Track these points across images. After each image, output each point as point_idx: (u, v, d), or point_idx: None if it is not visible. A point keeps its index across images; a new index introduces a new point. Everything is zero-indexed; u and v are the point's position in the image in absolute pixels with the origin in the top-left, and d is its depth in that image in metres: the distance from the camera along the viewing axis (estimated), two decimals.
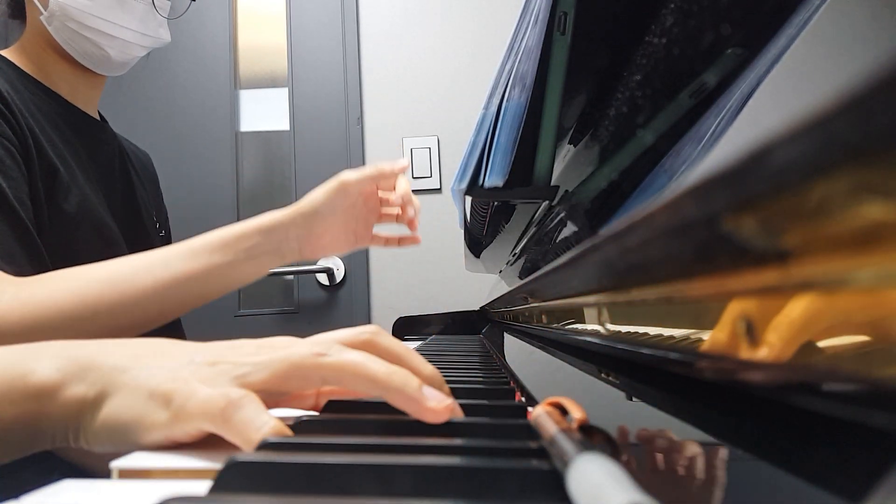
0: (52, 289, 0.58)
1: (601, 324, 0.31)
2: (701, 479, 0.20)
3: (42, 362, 0.31)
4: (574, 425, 0.24)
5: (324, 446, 0.24)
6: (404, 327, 1.50)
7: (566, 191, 0.54)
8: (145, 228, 0.90)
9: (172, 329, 0.85)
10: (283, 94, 2.06)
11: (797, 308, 0.14)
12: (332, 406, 0.33)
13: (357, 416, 0.31)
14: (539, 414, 0.26)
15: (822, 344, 0.13)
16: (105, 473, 0.25)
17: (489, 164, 0.51)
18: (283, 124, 2.05)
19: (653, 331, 0.24)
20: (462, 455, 0.24)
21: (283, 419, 0.28)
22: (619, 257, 0.24)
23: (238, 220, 0.69)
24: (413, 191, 2.08)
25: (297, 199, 0.70)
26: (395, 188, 0.74)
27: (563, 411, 0.27)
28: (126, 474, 0.25)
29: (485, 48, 1.98)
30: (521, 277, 0.67)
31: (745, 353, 0.16)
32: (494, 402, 0.37)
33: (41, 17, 0.77)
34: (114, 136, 0.91)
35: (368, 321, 1.92)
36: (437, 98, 1.99)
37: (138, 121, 1.96)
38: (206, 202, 1.99)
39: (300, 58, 2.05)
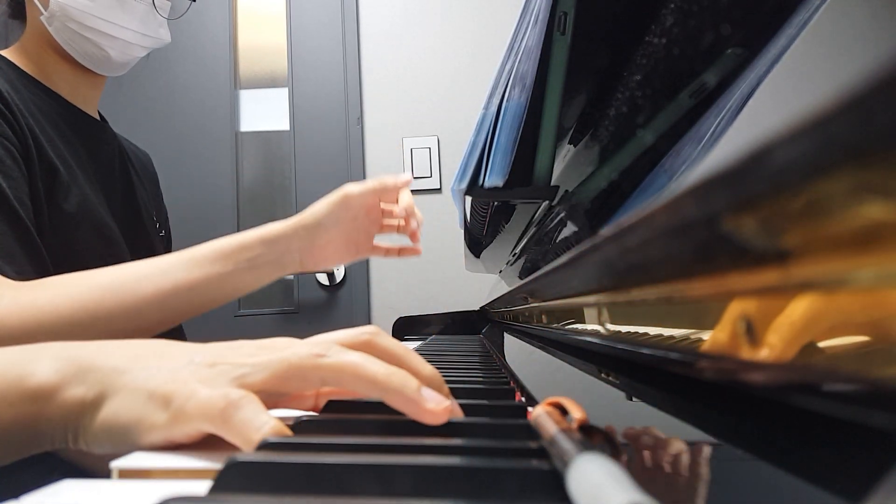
0: (52, 294, 0.58)
1: (601, 324, 0.31)
2: (693, 478, 0.20)
3: (41, 364, 0.31)
4: (574, 425, 0.24)
5: (324, 446, 0.24)
6: (404, 327, 1.50)
7: (566, 191, 0.54)
8: (145, 228, 0.90)
9: (172, 329, 0.85)
10: (283, 94, 2.06)
11: (797, 309, 0.14)
12: (332, 406, 0.33)
13: (357, 416, 0.31)
14: (539, 414, 0.26)
15: (822, 344, 0.13)
16: (105, 473, 0.25)
17: (489, 164, 0.51)
18: (283, 124, 2.05)
19: (653, 331, 0.24)
20: (462, 455, 0.24)
21: (282, 419, 0.28)
22: (619, 257, 0.24)
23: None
24: (413, 191, 2.08)
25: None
26: (397, 200, 0.74)
27: (563, 411, 0.27)
28: (126, 474, 0.25)
29: (485, 48, 1.98)
30: (521, 277, 0.67)
31: (745, 353, 0.16)
32: (494, 402, 0.37)
33: (41, 18, 0.77)
34: (114, 136, 0.91)
35: (368, 321, 1.92)
36: (437, 98, 1.99)
37: (138, 121, 1.96)
38: (206, 202, 1.99)
39: (300, 58, 2.05)
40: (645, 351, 0.25)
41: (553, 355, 0.50)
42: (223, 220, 1.98)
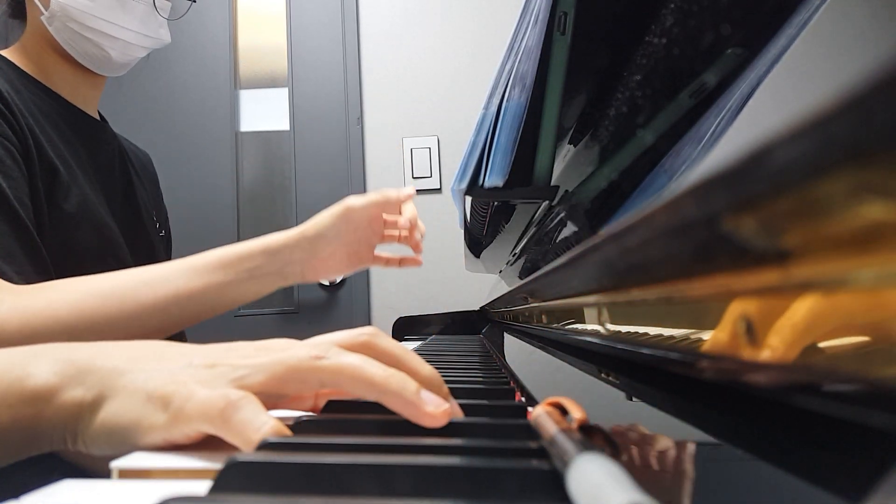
0: (51, 299, 0.58)
1: (601, 324, 0.31)
2: (679, 473, 0.20)
3: (40, 365, 0.31)
4: (574, 425, 0.24)
5: (323, 446, 0.24)
6: (404, 327, 1.50)
7: (566, 191, 0.54)
8: (145, 228, 0.90)
9: None
10: (283, 94, 2.06)
11: (799, 310, 0.14)
12: (332, 406, 0.33)
13: (357, 416, 0.31)
14: (539, 414, 0.26)
15: (822, 344, 0.13)
16: (105, 473, 0.25)
17: (489, 164, 0.51)
18: (283, 124, 2.05)
19: (653, 331, 0.24)
20: (462, 455, 0.24)
21: (282, 420, 0.28)
22: (619, 257, 0.24)
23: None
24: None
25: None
26: (400, 211, 0.74)
27: (563, 411, 0.27)
28: (126, 474, 0.25)
29: (485, 48, 1.98)
30: (521, 277, 0.67)
31: (746, 353, 0.16)
32: (494, 402, 0.37)
33: (42, 18, 0.77)
34: (114, 137, 0.91)
35: (368, 321, 1.92)
36: (437, 98, 1.99)
37: (138, 121, 1.96)
38: (206, 202, 1.99)
39: (300, 58, 2.05)
40: (645, 351, 0.25)
41: (553, 355, 0.50)
42: (223, 220, 1.98)
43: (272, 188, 2.04)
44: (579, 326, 0.37)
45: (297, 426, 0.28)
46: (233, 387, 0.29)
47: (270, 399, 0.30)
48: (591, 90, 0.58)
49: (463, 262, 1.31)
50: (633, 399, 0.29)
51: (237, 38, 2.09)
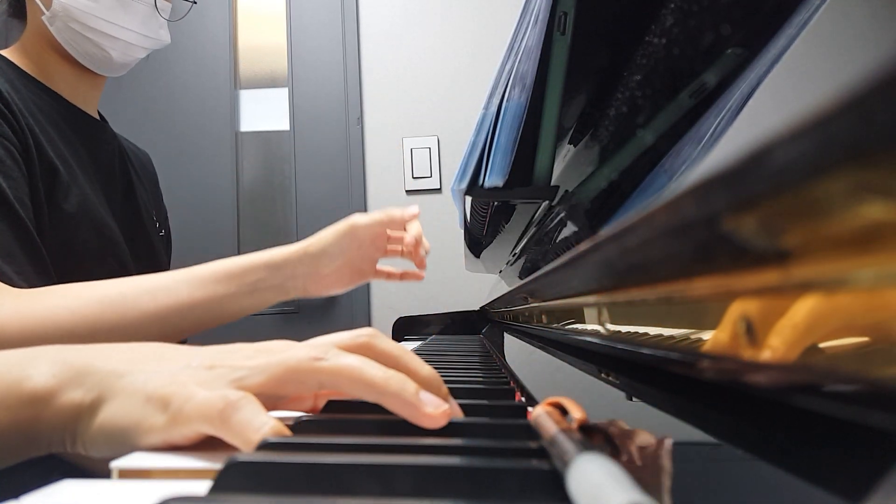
0: (52, 304, 0.58)
1: (601, 324, 0.31)
2: (659, 468, 0.20)
3: (38, 367, 0.31)
4: (574, 425, 0.24)
5: (323, 446, 0.24)
6: (404, 327, 1.50)
7: (566, 191, 0.54)
8: (145, 228, 0.90)
9: None
10: (283, 94, 2.06)
11: (799, 311, 0.14)
12: (332, 406, 0.33)
13: (356, 415, 0.31)
14: (539, 414, 0.26)
15: (822, 344, 0.13)
16: (105, 473, 0.25)
17: (489, 164, 0.51)
18: (283, 124, 2.05)
19: (653, 331, 0.24)
20: (462, 455, 0.24)
21: (282, 420, 0.28)
22: (619, 257, 0.24)
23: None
24: (413, 191, 2.07)
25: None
26: (404, 228, 0.74)
27: (563, 411, 0.27)
28: (126, 474, 0.25)
29: (485, 48, 1.98)
30: (521, 277, 0.67)
31: (746, 353, 0.16)
32: (494, 402, 0.37)
33: (43, 18, 0.77)
34: (114, 136, 0.91)
35: (368, 321, 1.92)
36: (437, 98, 1.99)
37: (138, 121, 1.96)
38: (206, 202, 1.99)
39: (300, 58, 2.05)
40: (645, 351, 0.25)
41: (553, 355, 0.50)
42: (223, 220, 1.98)
43: (272, 188, 2.04)
44: (579, 326, 0.37)
45: (297, 426, 0.28)
46: (232, 388, 0.29)
47: (270, 400, 0.30)
48: (591, 90, 0.58)
49: (463, 262, 1.31)
50: (633, 399, 0.29)
51: (237, 38, 2.09)
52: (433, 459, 0.21)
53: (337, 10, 2.05)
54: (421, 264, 0.76)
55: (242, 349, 0.32)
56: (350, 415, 0.31)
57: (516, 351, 0.76)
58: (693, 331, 0.20)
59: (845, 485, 0.13)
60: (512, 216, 0.74)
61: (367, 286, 1.94)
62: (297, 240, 0.71)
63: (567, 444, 0.20)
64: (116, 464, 0.25)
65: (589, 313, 0.34)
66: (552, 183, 0.53)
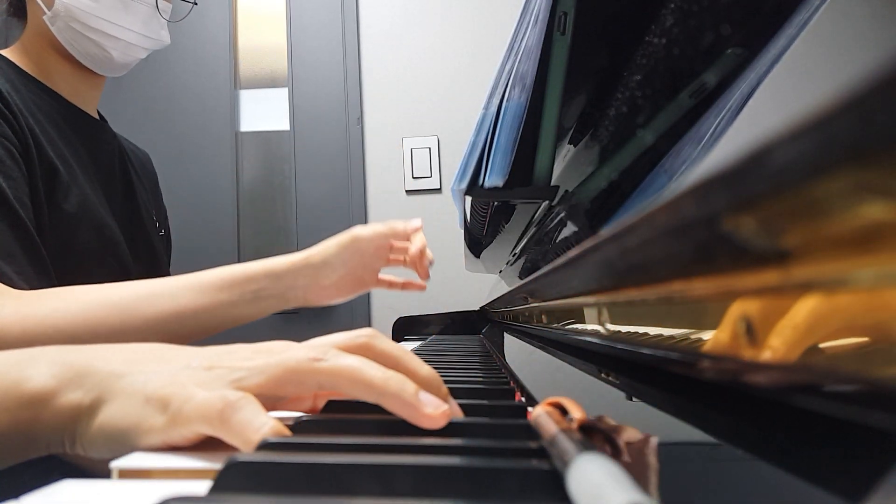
0: (54, 307, 0.58)
1: (601, 324, 0.31)
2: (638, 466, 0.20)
3: (37, 368, 0.31)
4: (574, 425, 0.24)
5: (323, 446, 0.24)
6: (404, 327, 1.50)
7: (566, 191, 0.54)
8: (145, 228, 0.90)
9: None
10: (283, 94, 2.06)
11: (799, 311, 0.14)
12: (332, 406, 0.33)
13: (356, 416, 0.31)
14: (539, 414, 0.26)
15: (822, 345, 0.13)
16: (105, 473, 0.25)
17: (489, 164, 0.51)
18: (283, 124, 2.05)
19: (653, 331, 0.24)
20: (462, 455, 0.24)
21: (282, 420, 0.28)
22: (619, 257, 0.24)
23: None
24: (413, 191, 2.07)
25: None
26: (408, 239, 0.74)
27: (563, 411, 0.27)
28: (126, 474, 0.25)
29: (485, 48, 1.98)
30: (521, 277, 0.67)
31: (746, 353, 0.16)
32: (494, 402, 0.37)
33: (44, 17, 0.77)
34: (114, 136, 0.91)
35: (368, 321, 1.92)
36: (437, 98, 1.99)
37: (138, 121, 1.96)
38: (206, 202, 1.99)
39: (300, 58, 2.05)
40: (645, 351, 0.25)
41: (553, 355, 0.50)
42: (223, 220, 1.98)
43: (272, 188, 2.04)
44: (579, 326, 0.37)
45: (297, 426, 0.28)
46: (231, 388, 0.29)
47: (269, 401, 0.30)
48: (591, 90, 0.58)
49: (463, 262, 1.31)
50: (633, 399, 0.29)
51: (237, 38, 2.09)
52: (433, 459, 0.21)
53: (337, 10, 2.05)
54: (425, 275, 0.77)
55: (241, 350, 0.32)
56: (350, 415, 0.31)
57: (516, 351, 0.76)
58: (693, 331, 0.20)
59: (845, 485, 0.13)
60: (512, 216, 0.74)
61: None
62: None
63: (567, 444, 0.20)
64: (116, 464, 0.25)
65: (589, 313, 0.34)
66: (552, 183, 0.54)
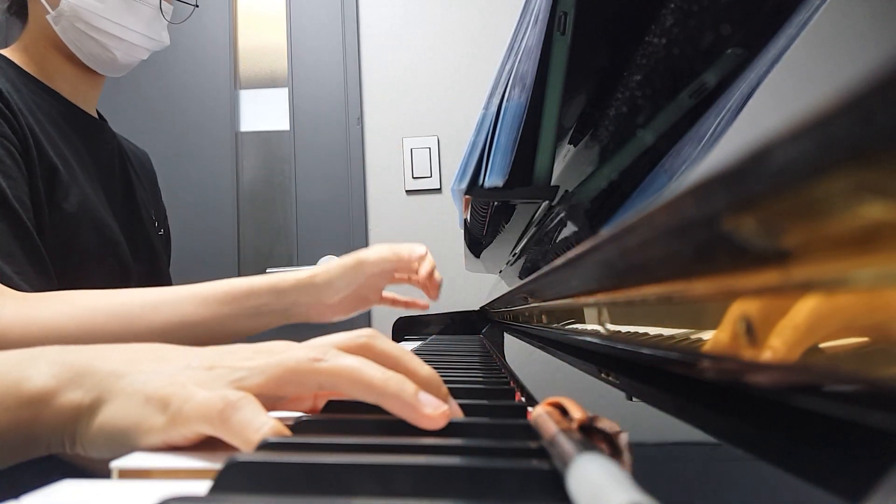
0: (56, 311, 0.58)
1: (601, 324, 0.31)
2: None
3: (38, 368, 0.31)
4: (574, 425, 0.24)
5: (324, 446, 0.24)
6: (404, 327, 1.50)
7: (566, 191, 0.54)
8: (144, 228, 0.90)
9: None
10: (283, 94, 2.06)
11: (799, 311, 0.14)
12: (332, 406, 0.33)
13: (356, 416, 0.31)
14: (539, 414, 0.26)
15: (822, 345, 0.13)
16: (105, 473, 0.25)
17: (489, 164, 0.51)
18: (283, 124, 2.05)
19: (653, 331, 0.24)
20: (462, 455, 0.24)
21: (282, 420, 0.28)
22: (620, 257, 0.24)
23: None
24: (413, 191, 2.06)
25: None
26: (412, 266, 0.75)
27: (563, 411, 0.27)
28: (126, 474, 0.25)
29: (485, 48, 1.98)
30: (521, 277, 0.67)
31: (746, 353, 0.16)
32: (494, 402, 0.37)
33: (48, 17, 0.77)
34: (113, 136, 0.91)
35: (368, 321, 1.92)
36: (437, 98, 1.99)
37: (138, 121, 1.96)
38: (206, 202, 1.99)
39: (300, 58, 2.05)
40: (645, 351, 0.25)
41: (553, 355, 0.50)
42: (223, 220, 1.98)
43: (272, 188, 2.04)
44: (579, 326, 0.37)
45: (297, 426, 0.28)
46: (232, 388, 0.29)
47: (269, 401, 0.30)
48: (591, 90, 0.58)
49: (463, 262, 1.31)
50: (633, 399, 0.29)
51: (237, 38, 2.09)
52: (433, 459, 0.21)
53: (337, 10, 2.05)
54: (436, 296, 0.77)
55: (242, 350, 0.32)
56: (350, 415, 0.31)
57: (516, 351, 0.76)
58: (693, 331, 0.20)
59: (845, 485, 0.13)
60: (512, 216, 0.74)
61: None
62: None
63: (567, 444, 0.20)
64: (116, 464, 0.25)
65: (589, 313, 0.34)
66: (552, 183, 0.54)
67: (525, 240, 0.73)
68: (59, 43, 0.79)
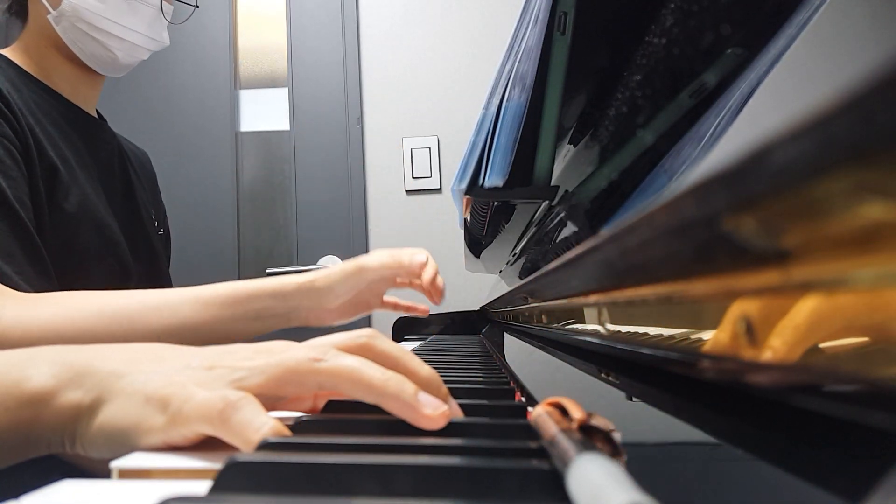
0: (56, 313, 0.58)
1: (601, 324, 0.31)
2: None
3: (38, 368, 0.31)
4: (574, 425, 0.24)
5: (324, 446, 0.24)
6: (404, 327, 1.50)
7: (566, 191, 0.54)
8: (144, 228, 0.90)
9: None
10: (283, 94, 2.06)
11: (800, 312, 0.14)
12: (332, 406, 0.33)
13: (356, 416, 0.31)
14: (539, 414, 0.26)
15: (822, 345, 0.13)
16: (105, 473, 0.25)
17: (489, 164, 0.51)
18: (283, 124, 2.05)
19: (653, 331, 0.24)
20: (462, 455, 0.24)
21: (282, 420, 0.28)
22: (620, 258, 0.24)
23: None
24: (413, 191, 2.06)
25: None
26: (413, 272, 0.75)
27: (563, 411, 0.27)
28: (126, 474, 0.25)
29: (485, 48, 1.98)
30: (521, 277, 0.67)
31: (746, 353, 0.16)
32: (494, 402, 0.37)
33: (49, 17, 0.77)
34: (113, 136, 0.91)
35: (369, 322, 1.92)
36: (437, 98, 1.99)
37: (138, 121, 1.96)
38: (206, 202, 1.99)
39: (300, 58, 2.05)
40: (645, 351, 0.25)
41: (553, 355, 0.50)
42: (223, 220, 1.98)
43: (272, 188, 2.04)
44: (579, 326, 0.37)
45: (297, 426, 0.28)
46: (231, 388, 0.29)
47: (269, 401, 0.30)
48: (591, 90, 0.58)
49: (463, 262, 1.31)
50: (633, 399, 0.29)
51: (237, 38, 2.09)
52: (433, 459, 0.21)
53: (337, 10, 2.05)
54: (439, 301, 0.78)
55: (242, 350, 0.32)
56: (350, 415, 0.31)
57: (516, 351, 0.76)
58: (693, 331, 0.20)
59: (845, 485, 0.13)
60: (512, 216, 0.74)
61: None
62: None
63: (567, 444, 0.20)
64: (116, 464, 0.25)
65: (589, 313, 0.34)
66: (552, 183, 0.54)
67: (525, 240, 0.73)
68: (60, 43, 0.79)
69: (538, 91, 0.50)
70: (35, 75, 0.80)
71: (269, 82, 2.08)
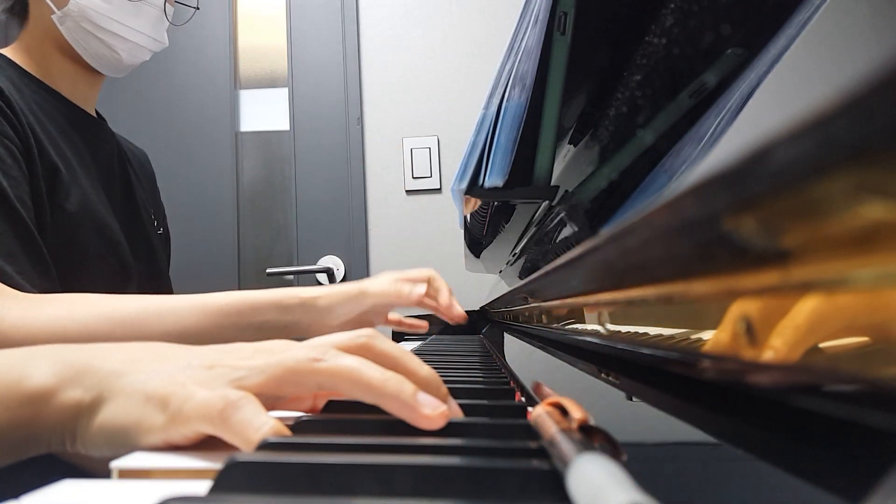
0: (60, 315, 0.58)
1: (601, 324, 0.31)
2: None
3: (38, 367, 0.31)
4: (574, 425, 0.24)
5: (324, 446, 0.24)
6: None
7: (566, 191, 0.54)
8: (144, 227, 0.90)
9: None
10: (283, 94, 2.06)
11: (800, 312, 0.14)
12: (332, 406, 0.33)
13: (356, 415, 0.31)
14: (539, 414, 0.26)
15: (822, 345, 0.13)
16: (105, 473, 0.25)
17: (489, 164, 0.51)
18: (283, 124, 2.05)
19: (653, 331, 0.24)
20: (462, 455, 0.24)
21: (282, 420, 0.28)
22: (620, 258, 0.24)
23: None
24: (413, 191, 2.06)
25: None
26: (413, 303, 0.76)
27: (563, 411, 0.27)
28: (126, 474, 0.25)
29: (485, 48, 1.98)
30: (521, 277, 0.67)
31: (746, 353, 0.16)
32: (494, 402, 0.37)
33: (53, 16, 0.77)
34: (112, 136, 0.91)
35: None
36: (437, 98, 1.99)
37: (138, 121, 1.96)
38: (206, 202, 1.99)
39: (300, 58, 2.05)
40: (645, 351, 0.25)
41: (553, 355, 0.50)
42: (223, 220, 1.98)
43: (272, 188, 2.04)
44: (579, 326, 0.37)
45: (297, 426, 0.28)
46: (232, 387, 0.29)
47: (269, 400, 0.30)
48: (591, 90, 0.58)
49: (463, 262, 1.31)
50: (633, 399, 0.29)
51: (237, 38, 2.09)
52: (433, 459, 0.21)
53: (337, 10, 2.05)
54: (459, 319, 0.79)
55: (242, 349, 0.32)
56: (350, 415, 0.31)
57: (516, 351, 0.76)
58: (693, 331, 0.20)
59: (845, 485, 0.13)
60: (512, 216, 0.74)
61: None
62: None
63: (567, 444, 0.20)
64: (116, 464, 0.25)
65: (589, 313, 0.34)
66: (552, 183, 0.54)
67: (525, 240, 0.73)
68: (62, 43, 0.79)
69: (538, 91, 0.50)
70: (35, 75, 0.80)
71: (269, 82, 2.08)
